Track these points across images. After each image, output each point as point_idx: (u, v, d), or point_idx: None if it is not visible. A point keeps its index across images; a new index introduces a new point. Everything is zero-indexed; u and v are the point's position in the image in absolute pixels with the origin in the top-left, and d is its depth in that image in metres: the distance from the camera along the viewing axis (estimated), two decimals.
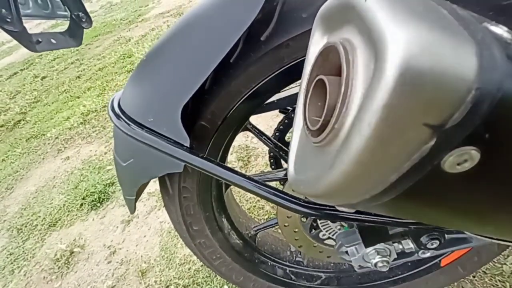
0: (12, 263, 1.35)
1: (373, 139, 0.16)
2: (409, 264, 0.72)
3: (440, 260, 0.70)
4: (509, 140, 0.17)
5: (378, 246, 0.48)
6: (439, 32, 0.15)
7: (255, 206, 1.21)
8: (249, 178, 0.41)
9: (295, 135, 0.27)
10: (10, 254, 1.39)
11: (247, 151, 1.48)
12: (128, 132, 0.42)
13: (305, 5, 0.41)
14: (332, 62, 0.21)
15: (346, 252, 0.51)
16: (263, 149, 1.45)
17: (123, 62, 2.99)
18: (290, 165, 0.26)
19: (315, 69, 0.24)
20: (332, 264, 0.78)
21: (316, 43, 0.25)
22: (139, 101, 0.45)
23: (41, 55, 4.17)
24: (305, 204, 0.41)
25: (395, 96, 0.15)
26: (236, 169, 1.47)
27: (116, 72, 2.84)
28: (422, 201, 0.19)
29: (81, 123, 2.23)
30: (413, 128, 0.15)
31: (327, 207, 0.41)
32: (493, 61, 0.15)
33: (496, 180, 0.18)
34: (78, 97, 2.67)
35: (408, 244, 0.49)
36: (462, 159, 0.17)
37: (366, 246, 0.48)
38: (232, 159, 1.46)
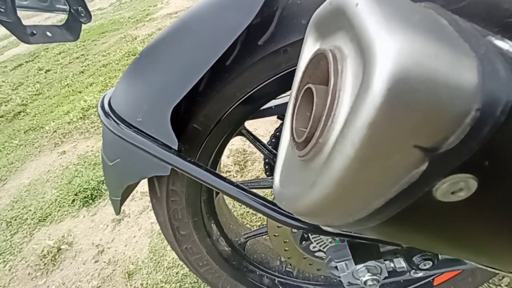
0: None
1: (356, 159, 0.14)
2: (401, 281, 0.70)
3: (433, 279, 0.68)
4: None
5: (368, 263, 0.46)
6: (436, 42, 0.13)
7: (248, 212, 1.19)
8: (236, 185, 0.40)
9: (283, 145, 0.26)
10: None
11: (244, 155, 1.47)
12: (115, 131, 0.40)
13: (305, 11, 0.40)
14: (323, 70, 0.20)
15: (336, 267, 0.49)
16: (261, 154, 1.44)
17: (127, 60, 3.00)
18: (276, 177, 0.25)
19: (305, 77, 0.22)
20: (322, 277, 0.76)
21: (308, 50, 0.23)
22: (129, 100, 0.43)
23: (47, 48, 4.19)
24: (294, 216, 0.39)
25: (381, 113, 0.13)
26: (232, 173, 1.45)
27: (119, 69, 2.84)
28: (410, 228, 0.17)
29: (81, 117, 2.22)
30: (401, 150, 0.13)
31: None
32: (497, 78, 0.13)
33: (495, 212, 0.16)
34: (80, 92, 2.66)
35: (400, 263, 0.47)
36: (457, 188, 0.14)
37: (356, 262, 0.46)
38: (228, 163, 1.44)
